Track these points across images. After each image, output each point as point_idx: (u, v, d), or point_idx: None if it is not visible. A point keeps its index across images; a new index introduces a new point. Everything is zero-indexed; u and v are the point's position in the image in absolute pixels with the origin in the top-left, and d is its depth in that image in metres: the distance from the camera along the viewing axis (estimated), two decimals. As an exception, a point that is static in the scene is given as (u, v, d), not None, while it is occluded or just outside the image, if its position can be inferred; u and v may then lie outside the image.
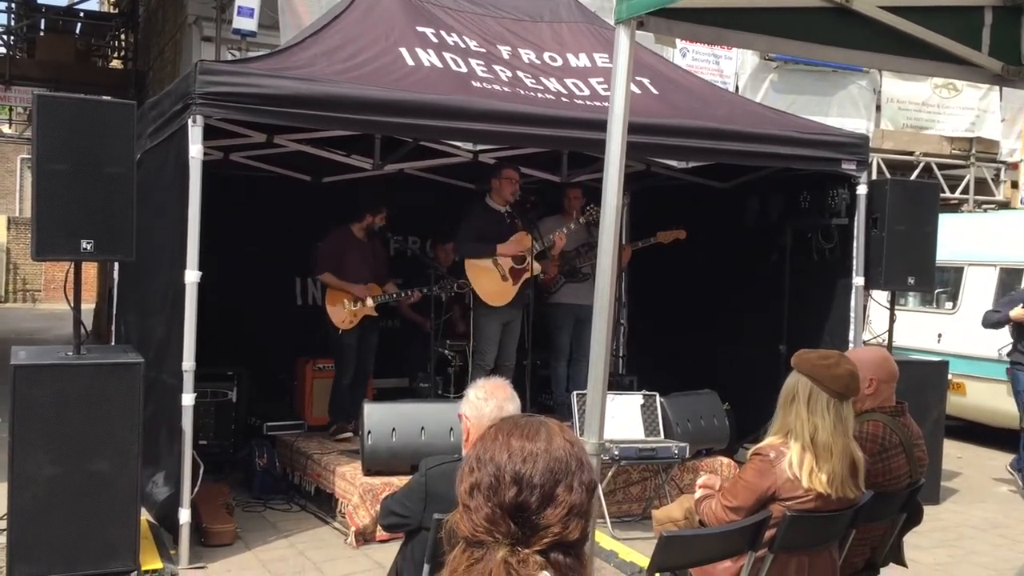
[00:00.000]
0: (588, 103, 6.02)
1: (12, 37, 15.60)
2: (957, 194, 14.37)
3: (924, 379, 6.82)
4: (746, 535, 3.10)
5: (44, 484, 4.53)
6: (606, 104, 5.32)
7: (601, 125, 3.56)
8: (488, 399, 2.91)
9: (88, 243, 4.63)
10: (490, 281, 6.90)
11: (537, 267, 6.98)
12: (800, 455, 3.08)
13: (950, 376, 7.76)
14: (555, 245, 7.15)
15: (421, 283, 7.20)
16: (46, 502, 4.52)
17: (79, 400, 4.60)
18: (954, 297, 9.57)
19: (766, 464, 3.13)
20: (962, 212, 13.61)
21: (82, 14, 17.63)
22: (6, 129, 23.52)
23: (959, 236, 9.39)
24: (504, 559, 1.51)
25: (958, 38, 3.58)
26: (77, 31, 17.04)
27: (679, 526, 3.66)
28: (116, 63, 18.15)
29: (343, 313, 6.84)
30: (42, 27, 16.46)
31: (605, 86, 6.23)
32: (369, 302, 6.89)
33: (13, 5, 15.62)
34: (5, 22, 15.85)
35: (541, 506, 1.53)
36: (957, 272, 9.49)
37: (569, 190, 7.64)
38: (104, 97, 5.28)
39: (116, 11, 18.39)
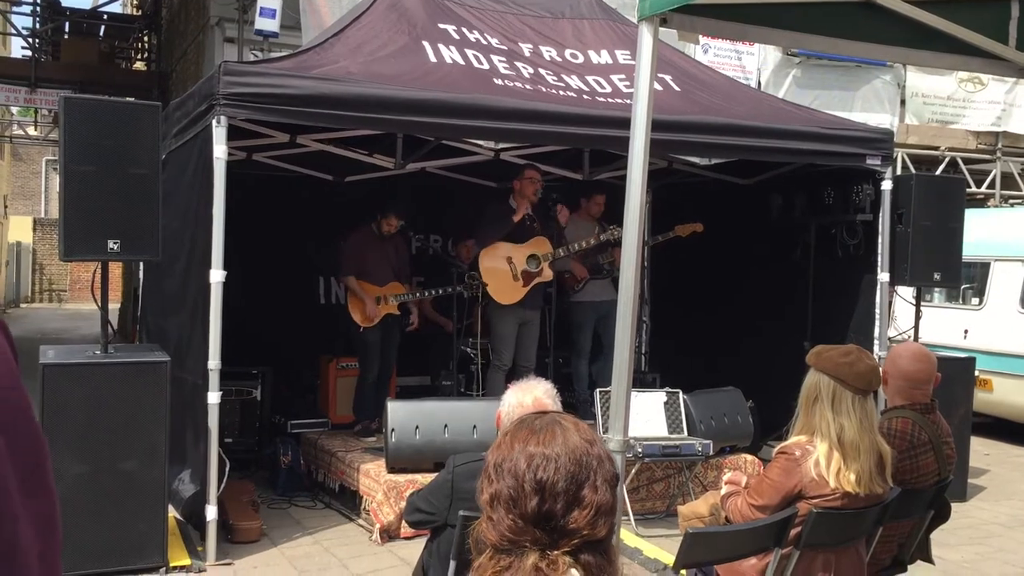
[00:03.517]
0: (610, 100, 6.01)
1: (37, 40, 15.74)
2: (983, 189, 14.24)
3: (951, 375, 6.74)
4: (772, 532, 3.08)
5: (73, 482, 4.58)
6: (628, 101, 5.31)
7: (623, 123, 3.56)
8: (522, 398, 2.93)
9: (115, 243, 4.68)
10: (501, 279, 6.89)
11: (550, 273, 6.97)
12: (827, 455, 3.05)
13: (977, 372, 7.69)
14: (584, 248, 7.15)
15: (442, 281, 7.23)
16: (75, 500, 4.57)
17: (107, 399, 4.65)
18: (981, 293, 9.48)
19: (791, 463, 3.11)
20: (988, 207, 13.48)
21: (106, 16, 17.77)
22: (32, 131, 23.76)
23: (985, 231, 9.30)
24: (535, 564, 1.50)
25: (984, 32, 3.55)
26: (101, 33, 17.18)
27: (704, 522, 3.65)
28: (139, 65, 18.30)
29: (364, 312, 6.88)
30: (66, 30, 16.60)
31: (627, 83, 6.21)
32: (391, 300, 6.92)
33: (38, 8, 15.76)
34: (30, 25, 15.94)
35: (568, 510, 1.52)
36: (983, 267, 9.40)
37: (595, 195, 7.55)
38: (129, 99, 5.33)
39: (139, 13, 18.53)
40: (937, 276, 6.86)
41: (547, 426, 1.60)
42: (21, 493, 0.78)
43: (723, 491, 3.49)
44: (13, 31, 16.83)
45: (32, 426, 0.83)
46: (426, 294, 7.23)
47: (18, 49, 19.88)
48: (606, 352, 7.12)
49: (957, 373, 6.93)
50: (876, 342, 6.56)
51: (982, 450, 8.60)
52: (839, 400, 3.08)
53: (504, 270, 6.91)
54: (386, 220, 6.94)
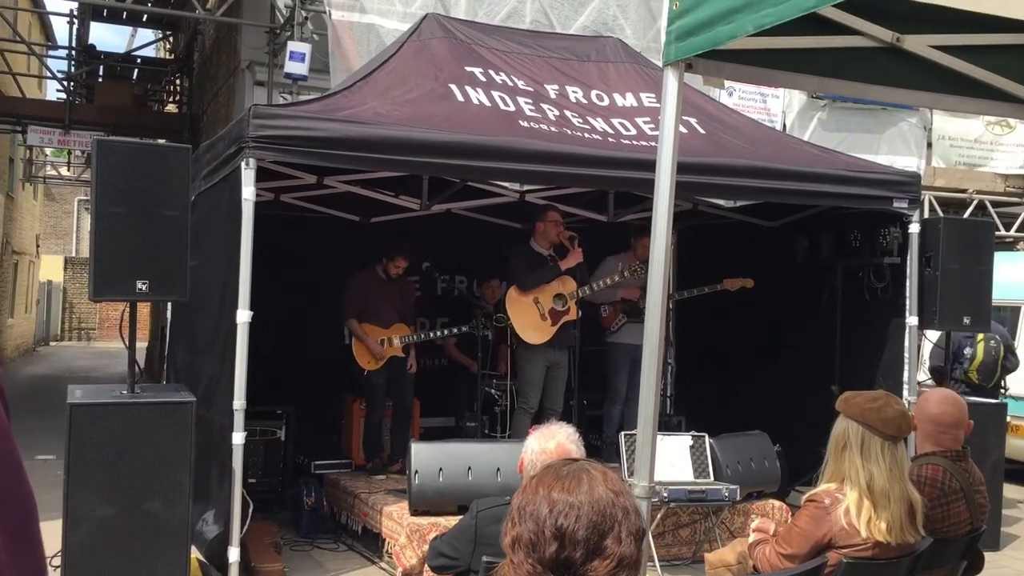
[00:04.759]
0: (635, 143, 6.03)
1: (72, 83, 16.06)
2: (1012, 232, 14.11)
3: (982, 421, 6.62)
4: (801, 582, 3.03)
5: (97, 522, 4.57)
6: (653, 144, 5.32)
7: (648, 165, 3.55)
8: (545, 444, 2.90)
9: (143, 284, 4.72)
10: (528, 318, 6.89)
11: (576, 312, 6.96)
12: (858, 503, 3.00)
13: (1009, 418, 7.56)
14: (608, 286, 7.17)
15: (467, 322, 7.23)
16: (99, 540, 4.56)
17: (133, 439, 4.66)
18: (1011, 337, 9.34)
19: (821, 511, 3.06)
20: (1018, 250, 13.34)
21: (139, 60, 18.12)
22: (64, 171, 24.16)
23: (1015, 274, 9.19)
24: None
25: (1012, 76, 3.53)
26: (134, 77, 17.50)
27: (732, 571, 3.59)
28: (171, 107, 18.60)
29: (367, 355, 6.91)
30: (100, 73, 16.93)
31: (652, 125, 6.24)
32: (396, 342, 6.94)
33: (73, 52, 16.10)
34: (65, 68, 16.29)
35: (587, 560, 1.49)
36: (1014, 311, 9.27)
37: (646, 238, 7.46)
38: (160, 141, 5.40)
39: (172, 57, 18.88)
40: (967, 320, 6.77)
41: (574, 473, 1.58)
42: (8, 551, 0.76)
43: (751, 539, 3.43)
44: (49, 75, 17.19)
45: (20, 481, 0.81)
46: (432, 335, 7.24)
47: (53, 92, 20.28)
48: (636, 395, 7.07)
49: (989, 419, 6.81)
50: (905, 387, 6.48)
51: (1015, 498, 8.43)
52: (868, 447, 3.03)
53: (531, 310, 6.91)
54: (393, 262, 6.97)
